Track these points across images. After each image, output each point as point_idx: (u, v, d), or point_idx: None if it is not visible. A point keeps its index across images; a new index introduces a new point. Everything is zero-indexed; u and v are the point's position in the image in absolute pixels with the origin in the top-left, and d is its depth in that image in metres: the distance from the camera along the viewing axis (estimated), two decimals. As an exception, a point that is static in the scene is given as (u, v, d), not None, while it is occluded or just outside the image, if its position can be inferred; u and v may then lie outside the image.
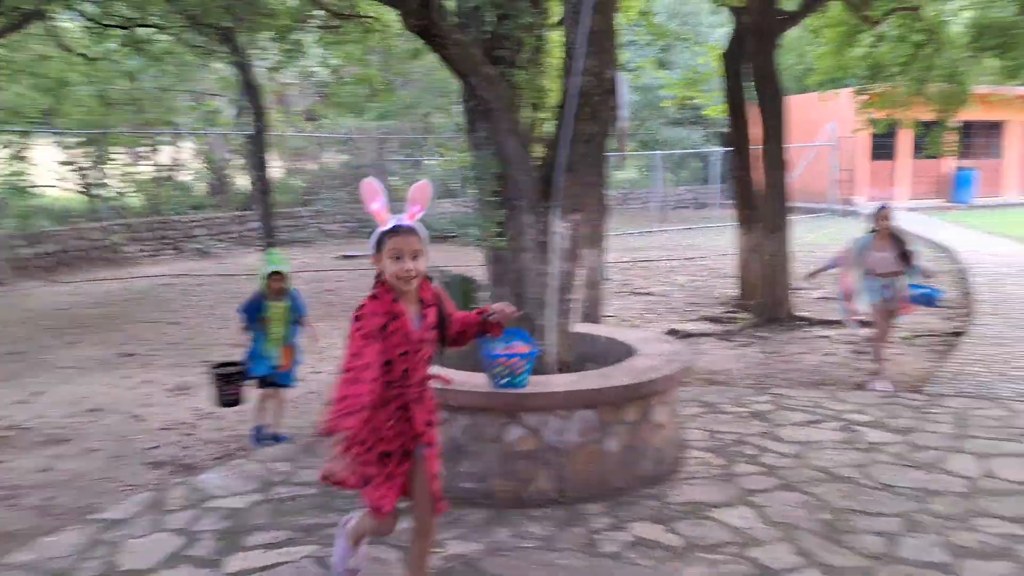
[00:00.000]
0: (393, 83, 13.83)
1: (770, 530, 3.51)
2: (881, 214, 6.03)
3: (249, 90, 10.31)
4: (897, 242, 5.98)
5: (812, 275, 6.59)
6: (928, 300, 5.98)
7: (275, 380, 4.99)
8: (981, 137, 24.77)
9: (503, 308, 2.90)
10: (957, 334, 7.60)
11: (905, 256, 5.93)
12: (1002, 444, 4.53)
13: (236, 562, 3.32)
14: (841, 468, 4.22)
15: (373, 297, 2.70)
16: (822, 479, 4.08)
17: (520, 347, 2.89)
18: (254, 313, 4.91)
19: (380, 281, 2.72)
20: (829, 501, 3.80)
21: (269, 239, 10.14)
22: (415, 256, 2.66)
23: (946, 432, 4.76)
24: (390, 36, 10.01)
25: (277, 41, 9.39)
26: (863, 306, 6.10)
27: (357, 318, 2.65)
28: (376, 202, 2.70)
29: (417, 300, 2.76)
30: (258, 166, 10.33)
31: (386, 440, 2.72)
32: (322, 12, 8.91)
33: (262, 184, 10.28)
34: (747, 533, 3.48)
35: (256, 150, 10.31)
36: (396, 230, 2.66)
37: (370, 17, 9.38)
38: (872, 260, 5.99)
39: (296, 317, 5.02)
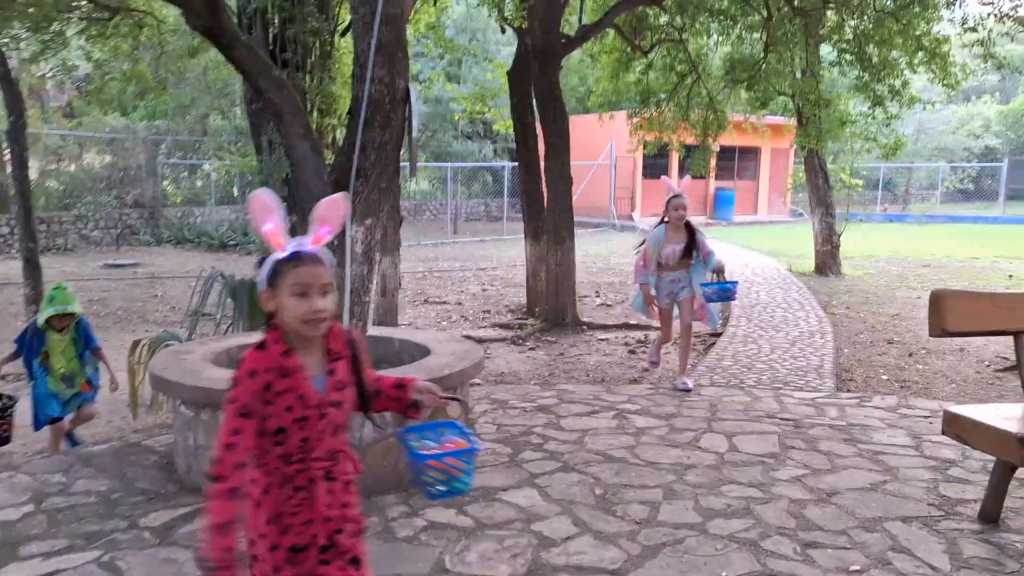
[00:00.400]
0: (166, 81, 13.10)
1: (551, 506, 3.83)
2: (673, 204, 5.69)
3: (4, 82, 9.35)
4: (688, 234, 5.76)
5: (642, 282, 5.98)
6: (724, 294, 5.76)
7: (71, 408, 4.62)
8: (739, 161, 27.74)
9: (431, 390, 2.23)
10: (716, 335, 8.52)
11: (691, 249, 5.68)
12: (745, 424, 5.21)
13: (12, 572, 3.12)
14: (614, 450, 4.65)
15: (259, 347, 2.02)
16: (598, 460, 4.48)
17: (455, 442, 2.25)
18: (33, 348, 4.47)
19: (271, 326, 2.05)
20: (603, 479, 4.20)
21: (29, 244, 9.22)
22: (324, 292, 2.01)
23: (701, 416, 5.38)
24: (164, 32, 9.51)
25: (34, 32, 8.60)
26: (658, 303, 5.88)
27: (234, 382, 1.98)
28: (270, 221, 2.02)
29: (323, 350, 2.08)
30: (16, 165, 9.37)
31: (294, 531, 2.02)
32: (86, 3, 8.28)
33: (21, 185, 9.33)
34: (531, 511, 3.77)
35: (15, 148, 9.34)
36: (299, 258, 2.00)
37: (142, 11, 8.85)
38: (664, 253, 5.77)
39: (85, 347, 4.65)
